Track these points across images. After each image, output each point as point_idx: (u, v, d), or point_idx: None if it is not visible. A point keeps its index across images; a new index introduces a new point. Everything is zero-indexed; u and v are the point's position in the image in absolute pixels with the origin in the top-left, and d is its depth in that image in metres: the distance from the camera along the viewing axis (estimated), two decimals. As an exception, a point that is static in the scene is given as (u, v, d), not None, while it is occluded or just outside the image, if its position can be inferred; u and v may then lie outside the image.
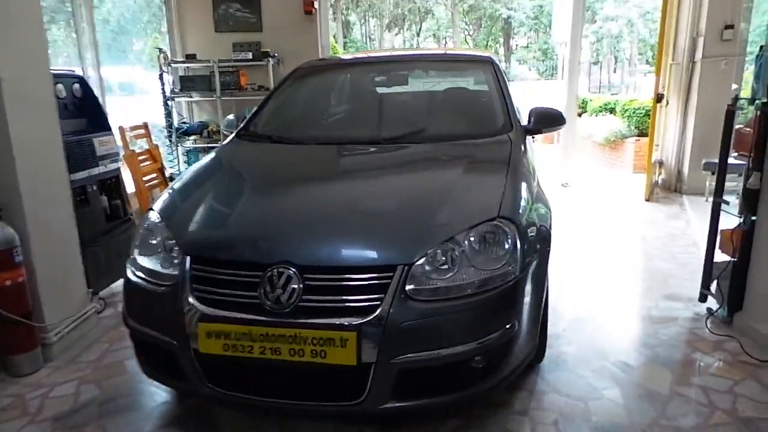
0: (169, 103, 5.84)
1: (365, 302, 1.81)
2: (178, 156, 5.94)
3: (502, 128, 2.78)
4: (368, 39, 38.97)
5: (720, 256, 3.02)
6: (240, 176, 2.57)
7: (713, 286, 3.03)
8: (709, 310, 3.01)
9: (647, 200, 5.60)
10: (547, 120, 2.92)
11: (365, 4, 30.07)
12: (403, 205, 2.14)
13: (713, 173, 5.48)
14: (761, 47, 3.06)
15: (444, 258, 1.90)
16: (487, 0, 28.76)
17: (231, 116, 3.36)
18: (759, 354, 2.54)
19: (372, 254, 1.91)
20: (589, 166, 9.50)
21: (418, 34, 42.83)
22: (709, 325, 2.82)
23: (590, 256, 4.06)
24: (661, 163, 6.23)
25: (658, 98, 5.52)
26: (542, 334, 2.31)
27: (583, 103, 11.44)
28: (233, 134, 3.07)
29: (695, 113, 5.63)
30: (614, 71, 34.95)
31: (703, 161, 5.43)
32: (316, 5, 5.88)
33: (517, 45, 37.53)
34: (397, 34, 44.71)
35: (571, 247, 4.23)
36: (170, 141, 5.86)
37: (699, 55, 5.55)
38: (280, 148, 2.82)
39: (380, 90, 3.38)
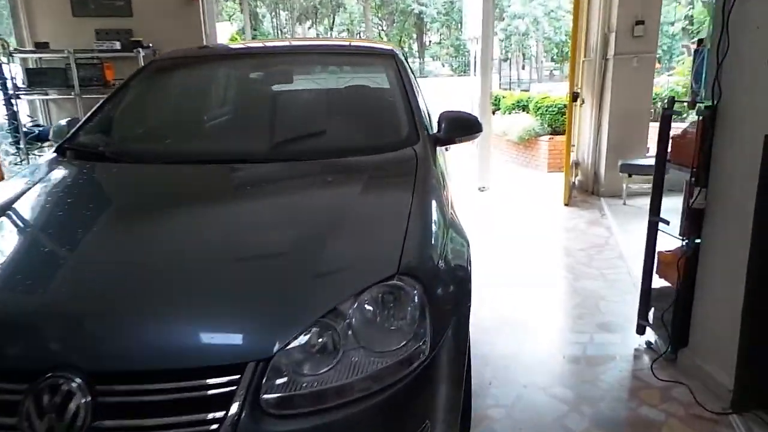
0: (14, 101, 4.77)
1: (194, 427, 1.15)
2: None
3: (406, 139, 2.21)
4: (279, 32, 37.61)
5: (657, 281, 2.64)
6: (23, 221, 1.76)
7: (651, 316, 2.65)
8: (648, 344, 2.62)
9: (566, 204, 5.31)
10: (461, 127, 2.40)
11: (273, -5, 28.79)
12: (262, 261, 1.47)
13: (630, 175, 5.30)
14: (699, 41, 2.70)
15: (322, 340, 1.27)
16: (398, -6, 28.48)
17: (63, 121, 2.52)
18: (713, 404, 2.15)
19: (205, 345, 1.25)
20: (506, 166, 9.30)
21: (331, 28, 42.01)
22: (653, 368, 2.41)
23: (512, 275, 3.61)
24: (577, 164, 6.00)
25: (574, 96, 5.23)
26: (465, 418, 1.75)
27: (495, 100, 11.28)
28: (54, 149, 2.28)
29: (609, 112, 5.41)
30: (523, 68, 36.14)
31: (620, 163, 5.23)
32: (196, -11, 5.05)
33: (430, 41, 37.85)
34: (310, 27, 43.58)
35: (490, 265, 3.77)
36: (17, 148, 4.80)
37: (611, 52, 5.33)
38: (106, 170, 2.06)
39: (256, 90, 2.70)
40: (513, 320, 2.96)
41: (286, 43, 3.30)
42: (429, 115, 2.69)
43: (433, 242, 1.59)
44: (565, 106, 8.38)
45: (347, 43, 3.22)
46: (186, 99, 2.66)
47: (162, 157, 2.12)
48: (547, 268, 3.72)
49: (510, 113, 9.91)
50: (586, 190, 5.80)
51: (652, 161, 5.44)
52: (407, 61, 3.24)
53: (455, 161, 9.52)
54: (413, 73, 3.59)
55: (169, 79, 2.67)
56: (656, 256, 2.62)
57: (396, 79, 2.53)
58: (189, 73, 2.69)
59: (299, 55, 2.82)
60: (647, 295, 2.63)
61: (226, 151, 2.11)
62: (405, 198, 1.71)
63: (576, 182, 5.98)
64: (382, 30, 37.01)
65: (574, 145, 5.93)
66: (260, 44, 3.25)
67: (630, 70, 5.31)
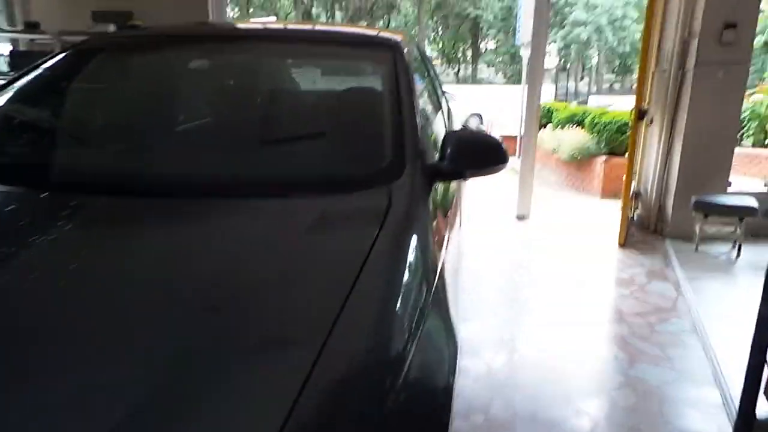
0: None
1: None
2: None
3: (383, 172, 1.44)
4: (333, 32, 37.48)
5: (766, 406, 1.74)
6: None
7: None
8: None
9: (622, 245, 4.35)
10: (476, 156, 1.63)
11: (327, -6, 28.46)
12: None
13: (705, 215, 4.29)
14: None
15: None
16: (454, -3, 27.58)
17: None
18: None
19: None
20: (553, 188, 8.30)
21: (386, 28, 41.63)
22: None
23: (542, 349, 2.74)
24: (638, 195, 5.01)
25: (640, 114, 4.26)
26: None
27: (547, 112, 10.27)
28: None
29: (684, 135, 4.41)
30: (581, 79, 34.46)
31: (693, 199, 4.22)
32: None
33: (486, 47, 36.72)
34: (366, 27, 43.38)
35: (513, 330, 2.91)
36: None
37: (691, 61, 4.34)
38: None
39: (197, 91, 1.97)
40: (549, 417, 2.11)
41: (255, 27, 2.52)
42: (438, 134, 1.91)
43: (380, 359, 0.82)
44: (626, 124, 7.33)
45: (336, 30, 2.46)
46: (104, 99, 1.96)
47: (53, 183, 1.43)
48: (590, 341, 2.82)
49: (563, 128, 8.90)
50: (646, 228, 4.81)
51: (735, 199, 4.43)
52: (423, 57, 2.46)
53: (488, 181, 8.56)
54: (431, 74, 2.80)
55: (89, 72, 1.98)
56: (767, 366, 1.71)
57: (390, 83, 1.75)
58: (105, 65, 1.99)
59: (262, 42, 2.05)
60: (748, 427, 1.73)
61: (141, 177, 1.42)
62: (334, 299, 0.94)
63: (635, 217, 4.99)
64: (437, 34, 36.18)
65: (635, 172, 4.95)
66: (215, 27, 2.48)
67: (714, 84, 4.31)
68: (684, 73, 4.41)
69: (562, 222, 5.14)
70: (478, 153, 1.61)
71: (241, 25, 2.27)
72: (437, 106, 2.51)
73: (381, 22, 38.35)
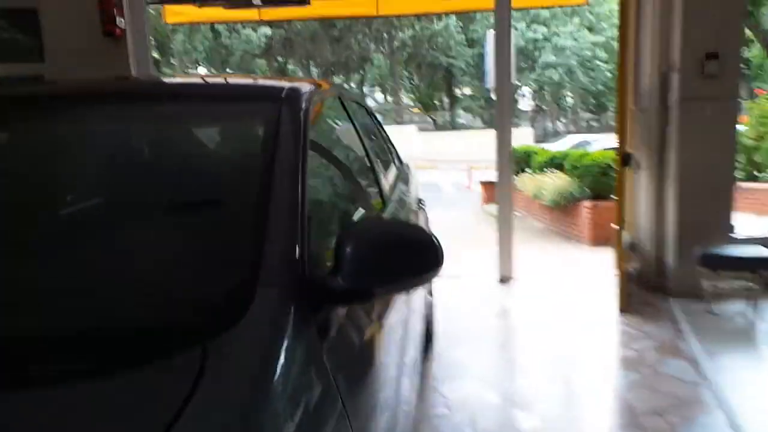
0: None
1: None
2: None
3: (208, 313, 0.83)
4: (310, 87, 37.70)
5: None
6: None
7: None
8: None
9: (623, 311, 3.74)
10: (392, 261, 1.04)
11: (301, 50, 28.71)
12: None
13: (715, 270, 3.72)
14: None
15: None
16: (425, 48, 27.91)
17: None
18: None
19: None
20: (538, 237, 7.76)
21: (361, 83, 42.07)
22: None
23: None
24: (633, 247, 4.45)
25: (624, 160, 3.73)
26: None
27: (525, 155, 9.88)
28: None
29: (676, 178, 3.91)
30: (558, 119, 34.80)
31: (698, 252, 3.66)
32: (121, 23, 3.92)
33: (463, 93, 37.12)
34: (342, 82, 43.82)
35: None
36: None
37: (674, 97, 3.88)
38: None
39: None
40: None
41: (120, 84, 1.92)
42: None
43: None
44: (609, 166, 6.89)
45: (212, 83, 1.88)
46: None
47: None
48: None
49: (542, 171, 8.46)
50: (646, 284, 4.22)
51: (747, 250, 3.86)
52: (355, 111, 1.93)
53: (464, 235, 8.08)
54: (373, 134, 2.30)
55: None
56: None
57: (265, 150, 1.18)
58: None
59: (93, 105, 1.46)
60: None
61: None
62: None
63: (633, 271, 4.42)
64: (411, 83, 36.60)
65: (626, 221, 4.41)
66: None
67: (702, 120, 3.84)
68: (667, 110, 3.95)
69: (551, 281, 4.54)
70: (395, 258, 1.03)
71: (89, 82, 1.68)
72: (376, 179, 1.95)
73: (357, 75, 38.86)
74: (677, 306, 3.75)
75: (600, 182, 6.90)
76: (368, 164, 1.91)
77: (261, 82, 1.82)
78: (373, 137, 2.59)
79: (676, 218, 3.94)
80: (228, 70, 29.86)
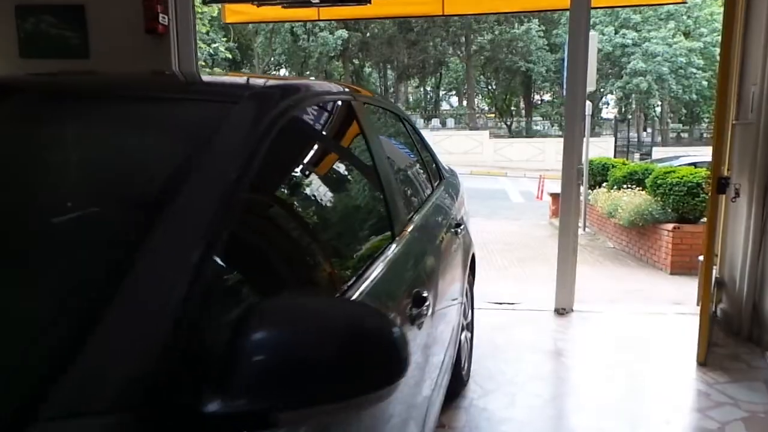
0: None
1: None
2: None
3: None
4: (384, 91, 37.72)
5: None
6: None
7: None
8: None
9: (702, 364, 3.12)
10: (315, 369, 0.62)
11: (377, 53, 28.71)
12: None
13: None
14: None
15: None
16: (504, 52, 27.01)
17: None
18: None
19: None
20: (609, 258, 7.04)
21: (437, 86, 41.55)
22: None
23: None
24: (721, 284, 3.77)
25: (720, 186, 3.08)
26: None
27: (602, 169, 9.08)
28: None
29: (785, 209, 3.22)
30: (644, 129, 32.59)
31: (807, 300, 2.98)
32: (164, 20, 3.78)
33: (541, 99, 35.74)
34: (417, 86, 43.49)
35: None
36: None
37: (789, 110, 3.20)
38: None
39: None
40: None
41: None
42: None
43: None
44: (699, 185, 6.08)
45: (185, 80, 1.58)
46: None
47: None
48: None
49: (620, 188, 7.69)
50: (735, 332, 3.54)
51: None
52: (354, 114, 1.58)
53: (524, 252, 7.39)
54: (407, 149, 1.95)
55: None
56: None
57: (178, 170, 0.84)
58: None
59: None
60: None
61: None
62: None
63: (717, 312, 3.75)
64: (488, 89, 35.70)
65: (716, 255, 3.74)
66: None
67: (822, 140, 3.14)
68: (779, 126, 3.26)
69: (617, 316, 3.93)
70: (324, 364, 0.65)
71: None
72: (388, 208, 1.56)
73: (433, 79, 38.42)
74: (775, 364, 3.07)
75: (686, 203, 6.11)
76: (378, 189, 1.53)
77: (248, 80, 1.50)
78: (400, 153, 2.22)
79: (781, 257, 3.25)
80: (307, 72, 30.47)
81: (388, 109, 2.25)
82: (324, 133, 1.42)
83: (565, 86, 4.05)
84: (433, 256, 1.85)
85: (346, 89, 1.72)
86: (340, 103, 1.55)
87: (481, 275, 6.07)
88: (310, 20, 8.35)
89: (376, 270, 1.28)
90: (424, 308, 1.45)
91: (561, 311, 3.94)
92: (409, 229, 1.67)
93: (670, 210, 6.30)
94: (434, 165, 2.70)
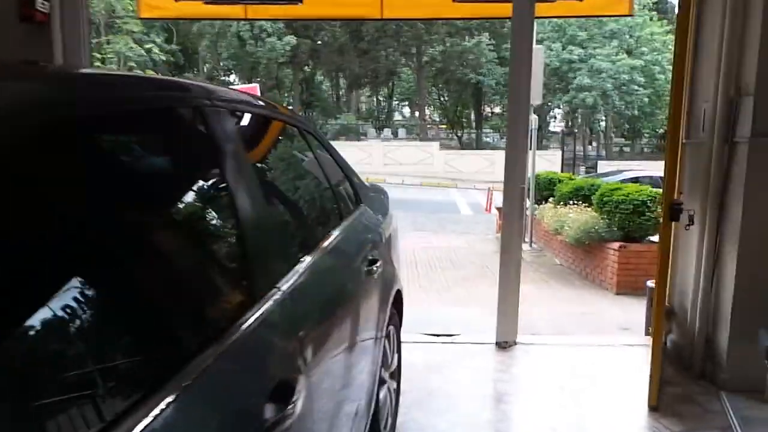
0: None
1: None
2: None
3: None
4: (336, 99, 37.22)
5: None
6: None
7: None
8: None
9: (653, 408, 2.80)
10: None
11: (327, 61, 28.27)
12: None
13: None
14: None
15: None
16: (455, 64, 27.14)
17: None
18: None
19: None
20: (555, 277, 6.81)
21: (390, 96, 41.44)
22: None
23: None
24: (671, 314, 3.50)
25: (672, 212, 2.78)
26: None
27: (549, 184, 8.94)
28: None
29: (739, 237, 2.96)
30: (590, 143, 33.47)
31: (765, 337, 2.71)
32: (43, 7, 3.20)
33: (492, 112, 36.18)
34: (369, 95, 43.23)
35: None
36: None
37: (743, 130, 2.95)
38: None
39: None
40: None
41: None
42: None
43: None
44: (644, 203, 5.92)
45: None
46: None
47: None
48: None
49: (566, 204, 7.52)
50: (686, 366, 3.26)
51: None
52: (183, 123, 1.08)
53: (466, 271, 7.03)
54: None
55: None
56: None
57: None
58: None
59: None
60: None
61: None
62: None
63: (668, 342, 3.48)
64: (439, 100, 35.85)
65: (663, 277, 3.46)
66: None
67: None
68: (733, 147, 3.01)
69: (561, 350, 3.60)
70: None
71: None
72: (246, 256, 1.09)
73: (385, 89, 38.25)
74: (731, 406, 2.79)
75: (631, 221, 5.93)
76: (234, 236, 1.07)
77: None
78: (288, 180, 1.77)
79: (735, 288, 2.98)
80: (258, 78, 29.64)
81: (281, 120, 1.80)
82: (127, 149, 0.95)
83: (508, 98, 3.71)
84: (323, 318, 1.40)
85: (202, 89, 1.25)
86: (174, 107, 1.07)
87: (422, 298, 5.71)
88: (235, 18, 7.80)
89: (205, 367, 0.82)
90: (291, 406, 1.00)
91: (503, 344, 3.57)
92: (286, 287, 1.21)
93: (616, 228, 6.12)
94: (350, 188, 2.26)
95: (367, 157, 24.25)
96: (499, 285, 3.59)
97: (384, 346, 2.24)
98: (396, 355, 2.55)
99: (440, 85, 32.60)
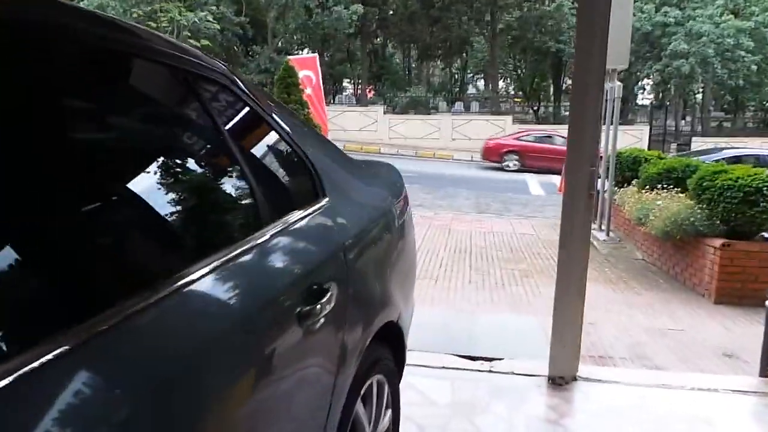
0: None
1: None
2: None
3: None
4: (408, 72, 36.07)
5: None
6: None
7: None
8: None
9: None
10: None
11: (396, 30, 27.18)
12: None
13: None
14: None
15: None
16: (532, 31, 25.20)
17: None
18: None
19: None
20: (635, 275, 5.69)
21: (463, 68, 39.67)
22: None
23: None
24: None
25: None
26: None
27: (632, 163, 7.68)
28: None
29: None
30: (683, 118, 30.37)
31: None
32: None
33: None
34: (443, 68, 41.63)
35: None
36: None
37: None
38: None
39: None
40: None
41: None
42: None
43: None
44: (759, 191, 4.69)
45: None
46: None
47: None
48: None
49: (653, 188, 6.32)
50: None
51: None
52: None
53: (527, 266, 5.96)
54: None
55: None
56: None
57: None
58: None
59: None
60: None
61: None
62: None
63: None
64: (514, 71, 33.85)
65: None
66: None
67: None
68: None
69: (638, 392, 2.66)
70: None
71: None
72: None
73: (459, 60, 36.59)
74: None
75: (740, 213, 4.72)
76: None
77: None
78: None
79: None
80: (329, 51, 29.14)
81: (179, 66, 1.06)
82: None
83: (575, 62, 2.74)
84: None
85: None
86: None
87: (468, 298, 4.87)
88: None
89: None
90: None
91: (558, 381, 2.70)
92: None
93: (718, 221, 4.93)
94: (308, 175, 1.48)
95: (435, 131, 23.21)
96: (555, 302, 2.70)
97: (358, 415, 1.48)
98: (388, 414, 1.78)
99: (516, 55, 30.65)
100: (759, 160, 13.64)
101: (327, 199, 1.51)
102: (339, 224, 1.51)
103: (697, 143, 21.10)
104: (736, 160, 13.91)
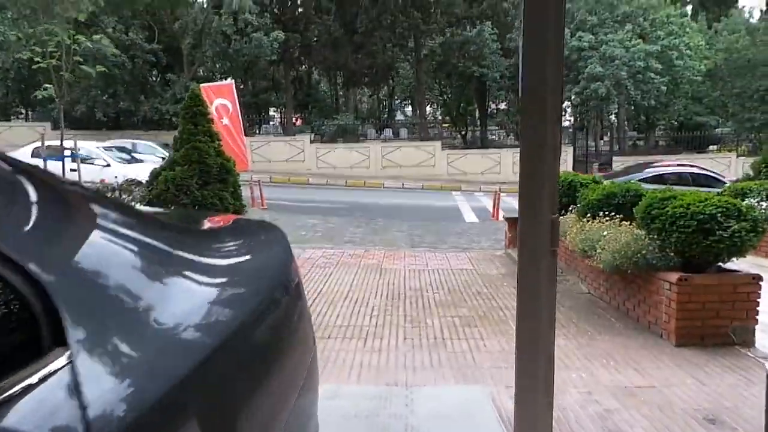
0: None
1: None
2: None
3: None
4: (335, 99, 35.52)
5: None
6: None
7: None
8: None
9: None
10: None
11: (319, 56, 26.67)
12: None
13: None
14: None
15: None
16: (456, 56, 25.45)
17: None
18: None
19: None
20: (583, 316, 5.12)
21: (390, 95, 39.72)
22: None
23: None
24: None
25: None
26: None
27: (568, 188, 7.29)
28: None
29: None
30: (601, 138, 31.66)
31: None
32: None
33: (497, 108, 34.42)
34: (370, 95, 41.48)
35: None
36: None
37: None
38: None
39: None
40: None
41: None
42: None
43: None
44: (713, 218, 4.24)
45: None
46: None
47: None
48: None
49: (594, 217, 5.86)
50: None
51: None
52: None
53: (469, 308, 5.50)
54: None
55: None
56: None
57: None
58: None
59: None
60: None
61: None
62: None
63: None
64: (439, 96, 34.18)
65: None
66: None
67: None
68: None
69: None
70: None
71: None
72: None
73: (386, 87, 36.55)
74: None
75: (695, 244, 4.27)
76: None
77: None
78: None
79: None
80: (253, 78, 28.04)
81: None
82: None
83: (520, 80, 2.06)
84: None
85: None
86: None
87: (401, 362, 4.07)
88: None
89: None
90: None
91: None
92: None
93: (671, 252, 4.46)
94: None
95: (365, 159, 22.67)
96: (516, 385, 1.96)
97: None
98: None
99: (442, 81, 30.94)
100: (681, 178, 13.98)
101: (68, 352, 0.68)
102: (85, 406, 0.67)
103: (618, 162, 21.80)
104: (659, 178, 14.23)
